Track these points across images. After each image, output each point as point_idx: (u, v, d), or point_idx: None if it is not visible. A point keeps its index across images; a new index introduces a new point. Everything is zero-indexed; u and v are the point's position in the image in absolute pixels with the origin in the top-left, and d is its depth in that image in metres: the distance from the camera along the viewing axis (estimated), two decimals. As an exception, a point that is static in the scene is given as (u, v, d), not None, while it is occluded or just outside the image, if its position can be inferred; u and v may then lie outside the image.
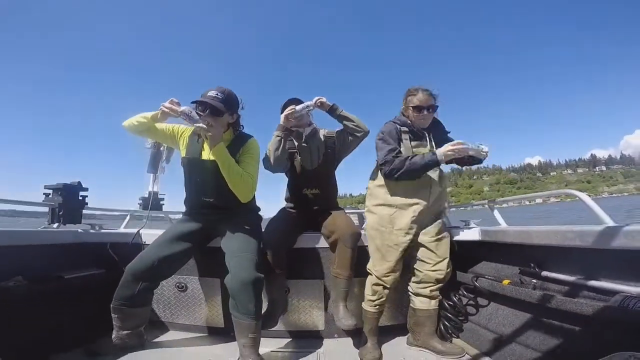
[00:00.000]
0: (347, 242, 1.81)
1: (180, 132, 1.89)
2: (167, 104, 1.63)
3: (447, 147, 1.70)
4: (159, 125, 1.82)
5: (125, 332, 1.69)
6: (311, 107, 1.89)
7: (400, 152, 1.82)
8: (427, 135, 1.91)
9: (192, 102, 1.67)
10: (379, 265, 1.80)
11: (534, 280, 1.55)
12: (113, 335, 1.68)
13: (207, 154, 1.79)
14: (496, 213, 1.99)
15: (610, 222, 1.27)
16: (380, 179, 1.89)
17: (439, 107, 1.89)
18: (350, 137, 2.02)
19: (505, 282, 1.66)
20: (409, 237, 1.79)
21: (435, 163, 1.72)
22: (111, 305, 1.64)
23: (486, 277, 1.81)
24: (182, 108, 1.61)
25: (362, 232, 1.94)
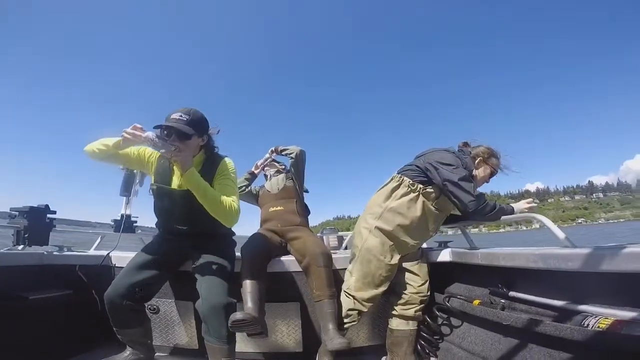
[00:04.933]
0: (319, 262, 1.81)
1: (147, 156, 1.80)
2: (129, 130, 1.51)
3: (523, 204, 1.77)
4: (123, 151, 1.70)
5: (136, 349, 1.75)
6: (268, 157, 2.56)
7: None
8: None
9: (155, 127, 1.57)
10: (365, 291, 1.73)
11: (502, 300, 1.57)
12: (127, 352, 1.74)
13: (177, 180, 1.74)
14: (466, 235, 2.06)
15: (569, 245, 1.33)
16: (396, 204, 1.76)
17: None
18: (291, 160, 2.46)
19: (476, 302, 1.67)
20: (395, 270, 1.78)
21: (510, 212, 1.74)
22: (114, 328, 1.69)
23: (458, 297, 1.81)
24: (146, 134, 1.51)
25: (334, 254, 1.99)
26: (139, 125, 1.53)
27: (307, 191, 2.53)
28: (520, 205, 1.77)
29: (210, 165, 1.77)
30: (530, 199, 1.83)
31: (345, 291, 1.81)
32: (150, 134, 1.52)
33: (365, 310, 1.74)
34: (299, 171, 2.46)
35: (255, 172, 2.59)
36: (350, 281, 1.80)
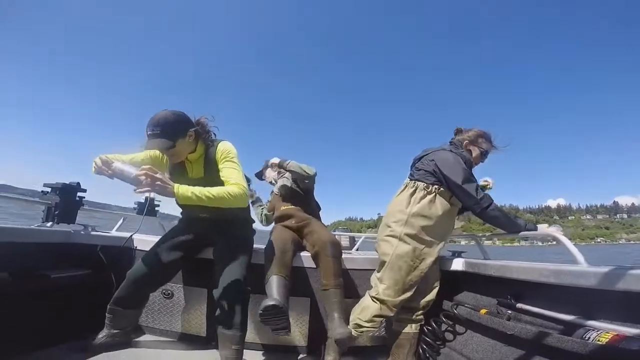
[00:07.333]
0: (328, 251, 1.87)
1: (160, 156, 1.79)
2: (98, 163, 1.41)
3: (547, 229, 1.67)
4: (136, 157, 1.69)
5: (115, 331, 1.75)
6: (267, 168, 2.54)
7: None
8: None
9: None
10: (394, 297, 1.74)
11: (509, 311, 1.58)
12: (103, 334, 1.73)
13: (192, 171, 1.78)
14: (480, 246, 2.08)
15: (584, 264, 1.35)
16: (418, 208, 1.78)
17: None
18: (306, 182, 2.31)
19: (483, 311, 1.69)
20: (423, 275, 1.79)
21: (530, 229, 1.69)
22: (107, 306, 1.72)
23: (465, 305, 1.83)
24: (114, 166, 1.34)
25: (348, 254, 2.05)
26: (104, 157, 1.43)
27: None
28: (544, 228, 1.70)
29: (211, 150, 1.77)
30: (561, 232, 1.65)
31: (373, 297, 1.79)
32: (118, 165, 1.36)
33: (392, 315, 1.75)
34: (309, 188, 2.43)
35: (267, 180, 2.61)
36: (379, 287, 1.79)
